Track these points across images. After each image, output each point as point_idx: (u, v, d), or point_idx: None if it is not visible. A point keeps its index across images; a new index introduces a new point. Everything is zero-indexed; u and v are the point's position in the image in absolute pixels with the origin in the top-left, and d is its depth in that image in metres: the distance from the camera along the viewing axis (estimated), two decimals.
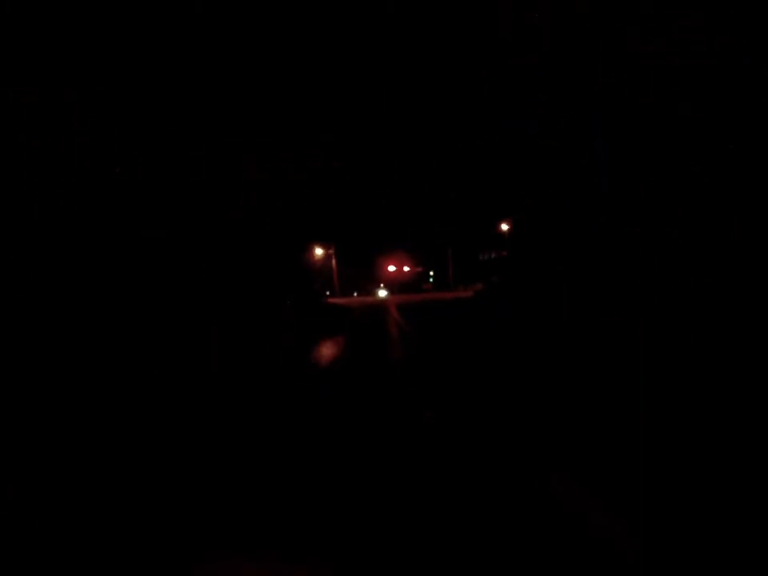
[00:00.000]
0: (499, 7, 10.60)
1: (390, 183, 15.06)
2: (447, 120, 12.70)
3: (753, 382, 7.17)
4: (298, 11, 11.07)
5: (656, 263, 10.79)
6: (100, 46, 10.53)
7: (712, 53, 9.44)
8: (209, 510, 4.29)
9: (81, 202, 10.65)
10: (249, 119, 11.74)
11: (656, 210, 10.68)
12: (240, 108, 11.62)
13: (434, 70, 12.16)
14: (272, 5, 11.04)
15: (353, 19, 11.44)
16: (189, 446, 5.74)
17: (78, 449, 5.69)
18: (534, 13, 9.97)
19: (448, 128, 12.87)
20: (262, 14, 11.06)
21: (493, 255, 16.25)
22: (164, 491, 4.66)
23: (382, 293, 19.18)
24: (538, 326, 12.42)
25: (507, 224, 15.22)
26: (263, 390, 8.18)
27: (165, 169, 11.43)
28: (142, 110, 11.09)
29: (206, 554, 3.72)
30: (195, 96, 11.29)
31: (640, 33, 9.67)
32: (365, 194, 15.22)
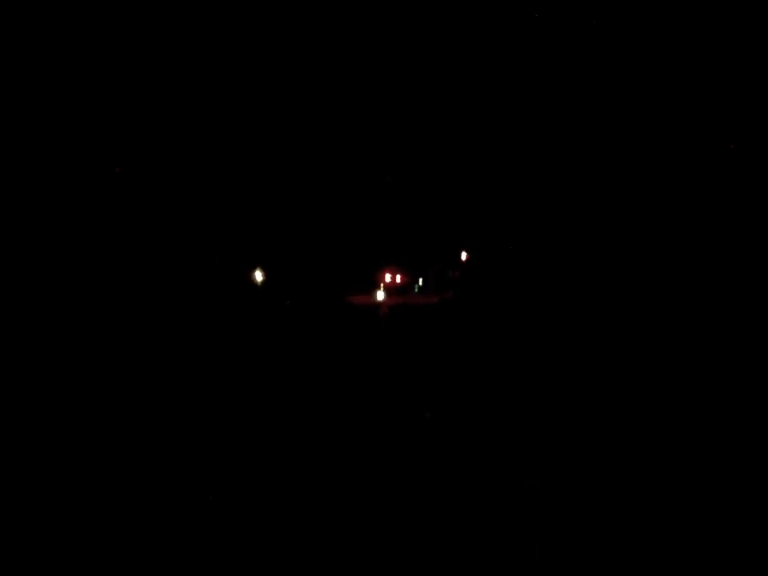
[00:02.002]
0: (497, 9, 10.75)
1: (383, 193, 15.21)
2: (445, 121, 12.84)
3: (752, 381, 7.27)
4: (297, 12, 11.17)
5: (656, 263, 10.90)
6: (99, 46, 10.55)
7: (711, 53, 9.60)
8: (207, 510, 4.25)
9: (81, 201, 10.60)
10: (249, 119, 11.80)
11: (656, 209, 10.81)
12: (240, 108, 11.68)
13: (431, 75, 12.31)
14: (272, 5, 11.13)
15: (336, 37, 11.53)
16: (188, 445, 5.69)
17: (77, 448, 5.62)
18: (534, 13, 10.11)
19: (446, 129, 13.02)
20: (261, 14, 11.14)
21: (457, 274, 18.07)
22: (163, 491, 4.61)
23: (380, 295, 21.10)
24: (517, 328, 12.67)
25: (466, 252, 17.39)
26: (262, 390, 8.15)
27: (164, 168, 11.42)
28: (141, 110, 11.10)
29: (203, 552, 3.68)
30: (195, 96, 11.33)
31: (643, 32, 9.82)
32: (360, 201, 15.32)
